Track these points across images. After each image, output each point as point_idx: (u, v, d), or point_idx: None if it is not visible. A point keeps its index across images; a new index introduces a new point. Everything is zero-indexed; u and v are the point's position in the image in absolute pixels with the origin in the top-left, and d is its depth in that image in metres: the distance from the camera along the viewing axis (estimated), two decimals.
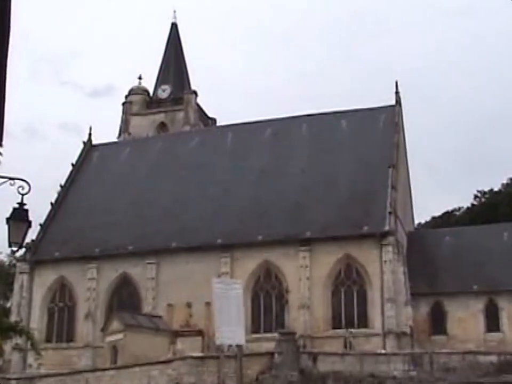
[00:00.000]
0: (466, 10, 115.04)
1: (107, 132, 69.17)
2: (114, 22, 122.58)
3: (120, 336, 38.20)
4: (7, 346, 34.02)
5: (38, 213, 44.14)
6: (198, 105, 66.65)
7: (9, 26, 7.98)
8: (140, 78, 68.36)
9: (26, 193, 11.50)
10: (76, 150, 54.05)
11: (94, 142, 55.19)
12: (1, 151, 10.91)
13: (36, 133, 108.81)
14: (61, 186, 51.11)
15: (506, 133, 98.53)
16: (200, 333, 40.54)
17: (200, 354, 34.30)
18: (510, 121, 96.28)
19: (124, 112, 66.55)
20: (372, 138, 46.38)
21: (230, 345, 33.23)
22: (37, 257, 46.46)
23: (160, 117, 66.37)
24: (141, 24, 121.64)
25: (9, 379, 35.49)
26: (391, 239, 40.06)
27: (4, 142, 10.32)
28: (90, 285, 44.57)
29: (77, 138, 54.65)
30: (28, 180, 11.56)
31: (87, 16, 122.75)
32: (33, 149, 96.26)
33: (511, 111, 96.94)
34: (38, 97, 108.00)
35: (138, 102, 66.90)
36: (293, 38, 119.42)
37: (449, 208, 69.93)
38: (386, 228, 40.26)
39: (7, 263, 55.62)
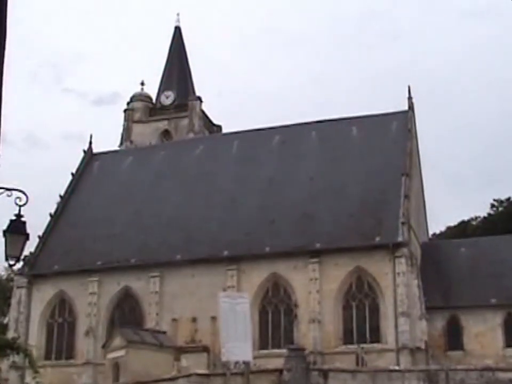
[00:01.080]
0: (482, 12, 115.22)
1: (110, 140, 69.32)
2: (117, 27, 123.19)
3: (122, 352, 38.16)
4: (4, 364, 33.88)
5: (37, 225, 44.30)
6: (202, 111, 66.73)
7: (5, 32, 7.99)
8: (142, 84, 68.54)
9: (23, 205, 11.52)
10: (77, 159, 54.26)
11: (98, 150, 55.39)
12: None
13: (37, 142, 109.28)
14: (60, 196, 51.24)
15: None
16: (205, 349, 40.51)
17: (205, 371, 34.24)
18: None
19: (125, 119, 66.68)
20: (384, 145, 46.38)
21: (237, 362, 33.21)
22: (36, 271, 46.52)
23: (164, 124, 66.48)
24: (144, 28, 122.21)
25: None
26: (404, 250, 39.99)
27: (1, 152, 10.32)
28: (91, 300, 44.58)
29: (80, 147, 54.63)
30: (25, 191, 11.56)
31: (90, 21, 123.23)
32: (34, 159, 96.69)
33: None
34: (40, 106, 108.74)
35: (140, 109, 67.01)
36: (302, 42, 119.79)
37: (465, 217, 69.84)
38: (399, 238, 40.19)
39: (4, 277, 55.68)
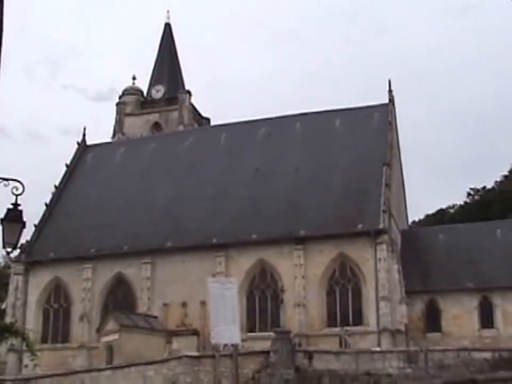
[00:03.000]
0: (460, 9, 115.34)
1: (104, 133, 69.18)
2: (110, 24, 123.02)
3: (115, 336, 38.19)
4: (3, 348, 33.89)
5: (33, 214, 44.22)
6: (192, 105, 66.59)
7: (1, 29, 7.97)
8: (133, 78, 68.37)
9: (20, 194, 11.51)
10: (72, 152, 54.09)
11: (94, 143, 55.27)
12: None
13: (38, 136, 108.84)
14: (55, 187, 51.12)
15: (499, 131, 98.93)
16: (195, 332, 40.58)
17: (195, 353, 34.22)
18: (504, 120, 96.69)
19: (117, 112, 66.48)
20: (366, 137, 46.45)
21: (226, 345, 33.12)
22: (32, 258, 46.42)
23: (154, 117, 66.30)
24: (135, 25, 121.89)
25: (5, 380, 35.45)
26: (385, 237, 40.12)
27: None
28: (86, 286, 44.55)
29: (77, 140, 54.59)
30: (22, 181, 11.55)
31: (84, 19, 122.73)
32: (33, 152, 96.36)
33: (504, 109, 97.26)
34: (41, 102, 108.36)
35: (132, 103, 66.79)
36: (288, 38, 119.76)
37: (443, 206, 70.25)
38: (381, 226, 40.30)
39: (1, 264, 55.51)
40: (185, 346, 37.87)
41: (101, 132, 61.86)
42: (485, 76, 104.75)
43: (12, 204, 11.51)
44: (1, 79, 8.93)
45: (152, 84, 68.90)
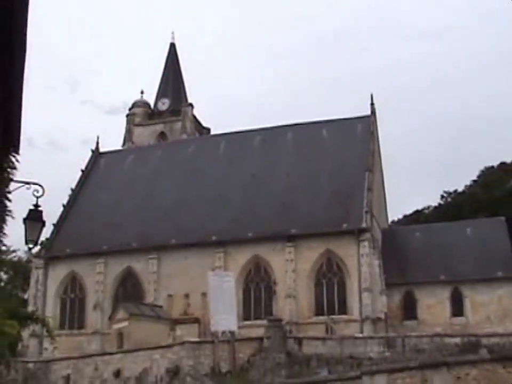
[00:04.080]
0: (436, 32, 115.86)
1: (116, 142, 69.05)
2: (122, 44, 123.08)
3: (125, 323, 38.21)
4: (25, 333, 33.81)
5: (52, 214, 44.23)
6: (194, 116, 66.59)
7: (25, 50, 8.10)
8: (142, 92, 68.39)
9: (40, 196, 11.56)
10: (86, 158, 54.12)
11: (106, 150, 55.29)
12: (18, 159, 11.04)
13: (58, 146, 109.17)
14: (72, 190, 51.11)
15: (469, 140, 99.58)
16: (197, 320, 40.57)
17: (197, 339, 34.31)
18: (472, 130, 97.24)
19: (127, 123, 66.50)
20: (350, 145, 46.49)
21: (224, 331, 33.34)
22: (51, 253, 46.41)
23: (160, 127, 66.24)
24: (144, 45, 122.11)
25: (28, 362, 35.52)
26: (367, 235, 40.20)
27: (25, 152, 10.43)
28: (98, 278, 44.57)
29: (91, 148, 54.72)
30: (42, 184, 11.65)
31: (98, 40, 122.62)
32: (54, 159, 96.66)
33: (472, 121, 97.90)
34: (62, 115, 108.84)
35: (140, 114, 66.78)
36: (282, 55, 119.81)
37: (419, 207, 70.18)
38: (363, 225, 40.39)
39: (24, 259, 55.50)
40: (187, 333, 37.87)
41: (113, 140, 62.15)
42: (453, 92, 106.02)
43: (33, 205, 11.58)
44: (28, 95, 9.06)
45: (158, 97, 68.87)
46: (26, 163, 10.42)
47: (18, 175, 11.43)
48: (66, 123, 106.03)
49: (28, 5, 7.42)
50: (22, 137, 9.49)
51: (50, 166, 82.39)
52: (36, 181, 11.56)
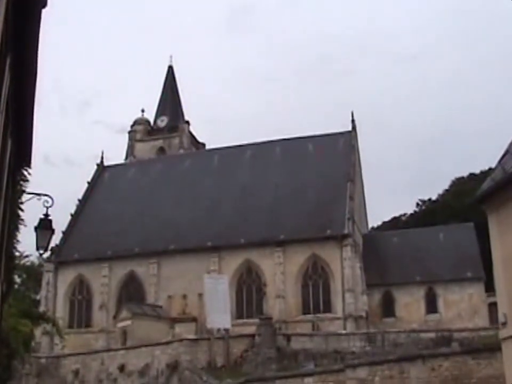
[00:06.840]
0: (413, 55, 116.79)
1: (120, 157, 69.07)
2: (124, 68, 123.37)
3: (128, 322, 38.18)
4: (38, 331, 33.73)
5: (61, 222, 44.21)
6: (190, 132, 66.64)
7: (36, 72, 8.17)
8: (142, 111, 68.41)
9: (50, 206, 11.60)
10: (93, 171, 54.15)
11: (110, 164, 55.31)
12: (30, 172, 11.12)
13: (73, 163, 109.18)
14: (79, 200, 51.04)
15: (442, 152, 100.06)
16: (194, 319, 40.53)
17: (194, 336, 34.28)
18: (445, 144, 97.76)
19: (129, 139, 66.49)
20: (333, 158, 46.60)
21: (219, 329, 33.33)
22: (60, 258, 46.31)
23: (159, 143, 66.24)
24: (143, 68, 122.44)
25: (40, 357, 35.56)
26: (349, 240, 40.31)
27: (42, 168, 10.48)
28: (104, 281, 44.48)
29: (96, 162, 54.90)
30: (52, 196, 11.68)
31: (102, 64, 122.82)
32: (68, 174, 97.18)
33: (445, 136, 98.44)
34: (77, 135, 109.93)
35: (141, 131, 66.76)
36: (270, 78, 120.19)
37: (397, 214, 70.16)
38: (346, 231, 40.49)
39: (36, 264, 55.32)
40: (185, 330, 37.84)
41: (117, 156, 62.40)
42: (426, 110, 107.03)
43: (44, 214, 11.61)
44: (45, 118, 9.13)
45: (157, 115, 68.89)
46: (43, 178, 10.47)
47: (31, 187, 11.49)
48: (80, 142, 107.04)
49: (39, 34, 7.50)
50: (39, 154, 9.57)
51: (63, 179, 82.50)
52: (46, 192, 11.61)
